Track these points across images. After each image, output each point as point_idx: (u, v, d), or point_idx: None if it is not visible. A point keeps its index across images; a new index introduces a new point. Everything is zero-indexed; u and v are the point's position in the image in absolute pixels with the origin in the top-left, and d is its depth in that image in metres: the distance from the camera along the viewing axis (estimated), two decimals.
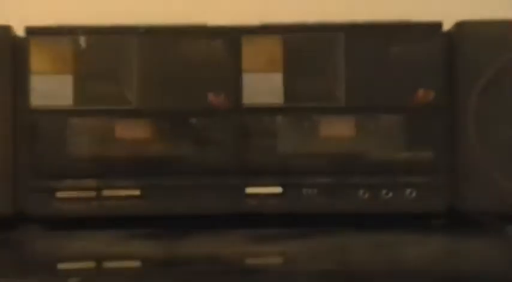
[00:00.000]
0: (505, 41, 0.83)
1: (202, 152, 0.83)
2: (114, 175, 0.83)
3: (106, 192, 0.83)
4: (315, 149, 0.83)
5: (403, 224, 0.83)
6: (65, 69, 0.83)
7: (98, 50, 0.83)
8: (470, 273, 0.71)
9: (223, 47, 0.83)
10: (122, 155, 0.84)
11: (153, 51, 0.83)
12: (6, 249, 0.82)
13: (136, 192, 0.83)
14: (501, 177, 0.82)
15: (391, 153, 0.83)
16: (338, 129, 0.83)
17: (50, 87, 0.83)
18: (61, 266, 0.75)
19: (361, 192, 0.83)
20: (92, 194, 0.83)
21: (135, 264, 0.76)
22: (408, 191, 0.83)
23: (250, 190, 0.83)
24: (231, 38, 0.83)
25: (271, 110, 0.83)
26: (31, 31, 0.83)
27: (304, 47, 0.83)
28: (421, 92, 0.83)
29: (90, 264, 0.75)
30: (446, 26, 0.85)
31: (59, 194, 0.83)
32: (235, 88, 0.83)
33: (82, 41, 0.83)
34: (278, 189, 0.83)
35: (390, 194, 0.83)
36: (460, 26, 0.84)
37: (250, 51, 0.83)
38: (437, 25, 0.84)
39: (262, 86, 0.83)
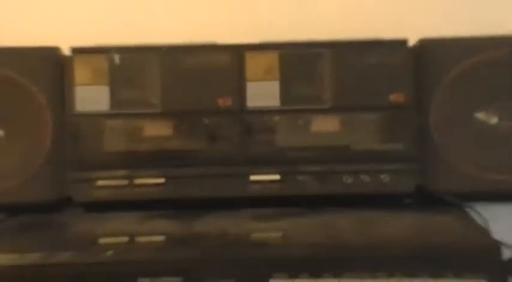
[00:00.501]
0: (458, 54, 0.82)
1: (213, 147, 0.83)
2: (142, 166, 0.83)
3: (136, 181, 0.83)
4: (306, 143, 0.83)
5: (380, 203, 0.83)
6: (102, 81, 0.83)
7: (128, 65, 0.83)
8: (436, 242, 0.70)
9: (230, 60, 0.83)
10: (148, 150, 0.83)
11: (173, 65, 0.83)
12: (55, 228, 0.82)
13: (161, 180, 0.83)
14: (459, 164, 0.82)
15: (369, 145, 0.83)
16: (325, 126, 0.83)
17: (91, 96, 0.83)
18: (100, 241, 0.76)
19: (345, 177, 0.82)
20: (125, 182, 0.83)
21: (160, 238, 0.76)
22: (384, 176, 0.82)
23: (253, 178, 0.83)
24: (237, 53, 0.83)
25: (270, 112, 0.83)
26: (75, 51, 0.84)
27: (297, 60, 0.83)
28: (393, 95, 0.82)
29: (124, 239, 0.75)
30: (412, 42, 0.84)
31: (99, 183, 0.83)
32: (241, 93, 0.83)
33: (116, 58, 0.83)
34: (277, 177, 0.83)
35: (369, 179, 0.82)
36: (423, 42, 0.84)
37: (252, 64, 0.83)
38: (405, 41, 0.84)
39: (262, 91, 0.83)
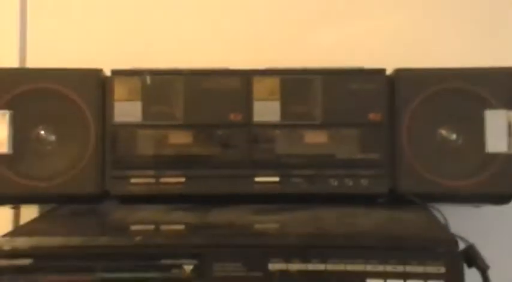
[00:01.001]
0: (425, 82, 0.82)
1: (225, 153, 0.83)
2: (167, 168, 0.82)
3: (161, 179, 0.82)
4: (301, 152, 0.82)
5: (359, 202, 0.82)
6: (136, 97, 0.83)
7: (157, 84, 0.83)
8: (403, 235, 0.70)
9: (240, 83, 0.83)
10: (172, 154, 0.83)
11: (194, 85, 0.83)
12: (95, 216, 0.83)
13: (182, 179, 0.82)
14: (423, 171, 0.81)
15: (351, 155, 0.82)
16: (316, 139, 0.82)
17: (126, 110, 0.83)
18: (131, 228, 0.77)
19: (331, 180, 0.82)
20: (152, 180, 0.82)
21: (180, 227, 0.76)
22: (362, 179, 0.82)
23: (257, 179, 0.82)
24: (246, 77, 0.83)
25: (271, 125, 0.83)
26: (115, 72, 0.83)
27: (294, 84, 0.83)
28: (371, 114, 0.82)
29: (150, 227, 0.75)
30: (389, 71, 0.84)
31: (132, 180, 0.82)
32: (248, 110, 0.82)
33: (148, 79, 0.83)
34: (276, 178, 0.82)
35: (350, 182, 0.82)
36: (398, 71, 0.84)
37: (258, 86, 0.82)
38: (383, 70, 0.83)
39: (266, 109, 0.82)
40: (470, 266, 0.69)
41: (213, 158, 0.83)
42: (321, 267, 0.66)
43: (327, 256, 0.67)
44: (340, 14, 0.98)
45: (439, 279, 0.65)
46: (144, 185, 0.82)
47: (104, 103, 0.83)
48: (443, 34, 0.97)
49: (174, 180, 0.82)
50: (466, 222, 0.78)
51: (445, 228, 0.74)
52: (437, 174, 0.80)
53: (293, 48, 0.97)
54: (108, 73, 0.84)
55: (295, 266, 0.67)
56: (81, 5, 0.98)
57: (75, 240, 0.68)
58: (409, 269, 0.66)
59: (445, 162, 0.81)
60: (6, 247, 0.67)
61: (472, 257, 0.68)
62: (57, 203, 0.85)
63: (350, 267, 0.66)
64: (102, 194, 0.83)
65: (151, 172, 0.82)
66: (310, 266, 0.67)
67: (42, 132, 0.83)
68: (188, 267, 0.67)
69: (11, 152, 0.81)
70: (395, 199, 0.82)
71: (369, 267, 0.66)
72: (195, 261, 0.67)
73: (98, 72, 0.84)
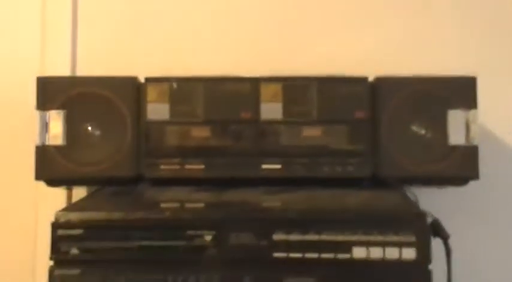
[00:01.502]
0: (401, 86, 0.81)
1: (238, 145, 0.82)
2: (190, 156, 0.81)
3: (186, 166, 0.81)
4: (300, 143, 0.82)
5: (347, 185, 0.81)
6: (165, 100, 0.82)
7: (182, 89, 0.82)
8: (382, 210, 0.71)
9: (250, 87, 0.82)
10: (194, 145, 0.82)
11: (212, 89, 0.82)
12: (132, 195, 0.82)
13: (202, 166, 0.81)
14: (400, 158, 0.81)
15: (341, 146, 0.81)
16: (312, 133, 0.82)
17: (157, 110, 0.82)
18: (161, 205, 0.75)
19: (325, 167, 0.81)
20: (178, 166, 0.81)
21: (201, 205, 0.74)
22: (350, 166, 0.81)
23: (264, 166, 0.81)
24: (254, 83, 0.82)
25: (276, 122, 0.82)
26: (147, 80, 0.83)
27: (294, 88, 0.82)
28: (357, 113, 0.82)
29: (177, 204, 0.74)
30: (371, 78, 0.83)
31: (162, 166, 0.81)
32: (256, 110, 0.82)
33: (174, 84, 0.82)
34: (279, 166, 0.81)
35: (340, 168, 0.81)
36: (378, 78, 0.83)
37: (265, 90, 0.82)
38: (366, 78, 0.83)
39: (271, 109, 0.82)
40: (435, 236, 0.69)
41: (227, 148, 0.82)
42: (316, 237, 0.67)
43: (321, 228, 0.67)
44: (333, 27, 0.98)
45: (411, 246, 0.66)
46: (171, 170, 0.82)
47: (139, 104, 0.82)
48: (414, 45, 0.96)
49: (195, 167, 0.82)
50: (433, 201, 0.79)
51: (416, 205, 0.74)
52: (411, 161, 0.80)
53: (294, 58, 0.97)
54: (142, 80, 0.84)
55: (295, 237, 0.67)
56: (122, 20, 0.98)
57: (116, 215, 0.69)
58: (387, 238, 0.66)
59: (417, 152, 0.81)
60: (62, 219, 0.69)
61: (437, 229, 0.69)
62: (102, 184, 0.85)
63: (340, 238, 0.67)
64: (138, 177, 0.83)
65: (177, 160, 0.82)
66: (307, 237, 0.67)
67: (90, 128, 0.83)
68: (208, 237, 0.68)
69: (64, 143, 0.81)
70: (377, 182, 0.82)
71: (355, 237, 0.67)
72: (213, 232, 0.68)
73: (134, 79, 0.84)
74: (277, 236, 0.67)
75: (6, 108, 0.95)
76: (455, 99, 0.81)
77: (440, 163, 0.80)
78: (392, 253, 0.65)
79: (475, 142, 0.80)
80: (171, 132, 0.82)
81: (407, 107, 0.81)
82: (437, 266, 0.67)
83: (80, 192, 0.90)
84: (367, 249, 0.66)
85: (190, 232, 0.67)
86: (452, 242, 0.70)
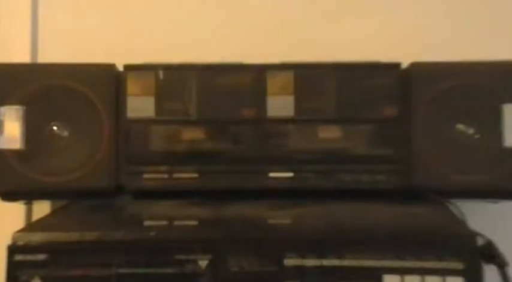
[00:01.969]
0: (440, 76, 0.81)
1: (239, 149, 0.82)
2: (180, 163, 0.82)
3: (174, 175, 0.82)
4: (314, 147, 0.82)
5: (373, 198, 0.80)
6: (149, 92, 0.82)
7: (170, 79, 0.82)
8: (420, 229, 0.70)
9: (254, 78, 0.82)
10: (185, 150, 0.82)
11: (207, 80, 0.82)
12: (108, 211, 0.82)
13: (195, 175, 0.82)
14: (441, 164, 0.80)
15: (365, 150, 0.81)
16: (330, 134, 0.81)
17: (139, 105, 0.82)
18: (145, 223, 0.76)
19: (345, 176, 0.81)
20: (165, 175, 0.82)
21: (193, 222, 0.74)
22: (377, 175, 0.81)
23: (272, 174, 0.82)
24: (260, 72, 0.82)
25: (285, 121, 0.82)
26: (127, 67, 0.83)
27: (308, 78, 0.82)
28: (386, 109, 0.81)
29: (164, 222, 0.74)
30: (404, 65, 0.83)
31: (145, 175, 0.82)
32: (262, 105, 0.82)
33: (160, 74, 0.82)
34: (290, 174, 0.81)
35: (365, 178, 0.81)
36: (413, 65, 0.82)
37: (272, 81, 0.82)
38: (398, 64, 0.82)
39: (280, 104, 0.82)
40: (488, 262, 0.67)
41: (226, 153, 0.82)
42: (336, 262, 0.66)
43: (343, 251, 0.66)
44: (355, 8, 0.97)
45: (458, 275, 0.64)
46: (157, 180, 0.82)
47: (117, 98, 0.82)
48: (459, 28, 0.96)
49: (187, 175, 0.82)
50: (484, 218, 0.78)
51: (462, 223, 0.73)
52: (454, 169, 0.79)
53: (307, 43, 0.96)
54: (120, 68, 0.83)
55: (310, 262, 0.66)
56: None
57: (90, 235, 0.68)
58: (426, 264, 0.65)
59: (462, 157, 0.80)
60: (21, 242, 0.67)
61: (491, 253, 0.67)
62: (71, 198, 0.85)
63: (366, 263, 0.65)
64: (116, 189, 0.82)
65: (164, 167, 0.82)
66: (326, 262, 0.66)
67: (55, 127, 0.82)
68: (203, 262, 0.67)
69: (23, 147, 0.81)
70: (411, 195, 0.81)
71: (386, 263, 0.65)
72: (209, 256, 0.67)
73: (110, 67, 0.83)
74: (289, 261, 0.66)
75: None
76: (511, 90, 0.80)
77: (492, 171, 0.79)
78: None
79: None
80: (157, 133, 0.82)
81: (449, 101, 0.80)
82: None
83: (43, 208, 0.90)
84: (402, 277, 0.65)
85: (180, 256, 0.67)
86: (511, 270, 0.68)
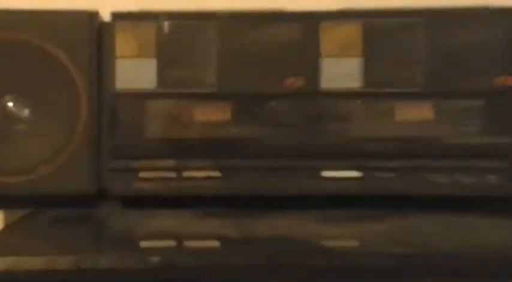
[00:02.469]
0: None
1: (279, 135, 0.81)
2: (193, 156, 0.81)
3: (185, 173, 0.81)
4: (390, 133, 0.81)
5: (478, 208, 0.80)
6: (148, 53, 0.81)
7: (180, 34, 0.81)
8: None
9: (302, 32, 0.80)
10: (201, 137, 0.81)
11: (232, 36, 0.81)
12: (88, 225, 0.81)
13: (215, 173, 0.81)
14: None
15: (468, 138, 0.80)
16: (414, 114, 0.81)
17: (134, 71, 0.81)
18: (142, 244, 0.73)
19: (436, 176, 0.80)
20: (172, 174, 0.81)
21: (213, 243, 0.71)
22: (486, 175, 0.80)
23: (326, 173, 0.80)
24: (310, 23, 0.81)
25: (348, 94, 0.80)
26: (117, 16, 0.81)
27: (384, 32, 0.81)
28: (499, 78, 0.80)
29: (170, 243, 0.72)
30: None
31: (141, 174, 0.81)
32: (313, 72, 0.80)
33: (165, 25, 0.81)
34: (353, 173, 0.80)
35: (467, 178, 0.80)
36: None
37: (328, 37, 0.80)
38: None
39: (340, 70, 0.80)
40: None
41: (260, 143, 0.80)
42: None
43: None
44: None
45: None
46: (159, 181, 0.80)
47: (99, 62, 0.81)
48: None
49: (202, 174, 0.80)
50: None
51: None
52: None
53: None
54: (107, 17, 0.83)
55: None
56: None
57: (63, 261, 0.65)
58: None
59: None
60: None
61: None
62: (34, 206, 0.84)
63: None
64: (98, 194, 0.81)
65: (169, 163, 0.80)
66: None
67: (11, 104, 0.81)
68: None
69: None
70: None
71: None
72: None
73: (91, 16, 0.82)
74: None
75: None
76: None
77: None
78: None
79: None
80: (158, 112, 0.80)
81: None
82: None
83: None
84: None
85: None
86: None
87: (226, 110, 0.81)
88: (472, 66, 0.80)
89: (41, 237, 0.76)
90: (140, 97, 0.81)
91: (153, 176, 0.81)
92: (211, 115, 0.81)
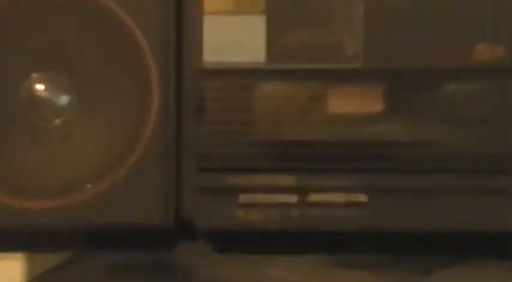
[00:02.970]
0: None
1: (463, 136, 0.61)
2: (324, 169, 0.61)
3: (311, 197, 0.61)
4: None
5: None
6: (254, 8, 0.62)
7: None
8: None
9: None
10: (334, 139, 0.61)
11: None
12: (164, 276, 0.68)
13: (360, 198, 0.61)
14: None
15: None
16: None
17: (232, 35, 0.62)
18: None
19: None
20: (291, 198, 0.61)
21: None
22: None
23: None
24: None
25: None
26: None
27: None
28: None
29: None
30: None
31: (243, 198, 0.61)
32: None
33: None
34: None
35: None
36: None
37: None
38: None
39: None
40: None
41: (434, 148, 0.62)
42: None
43: None
44: None
45: None
46: (270, 209, 0.63)
47: (178, 23, 0.63)
48: None
49: (339, 198, 0.62)
50: None
51: None
52: None
53: None
54: None
55: None
56: None
57: None
58: None
59: None
60: None
61: None
62: (77, 247, 0.70)
63: None
64: (177, 228, 0.65)
65: (286, 179, 0.62)
66: None
67: (41, 87, 0.64)
68: None
69: None
70: None
71: None
72: None
73: None
74: None
75: None
76: None
77: None
78: None
79: None
80: (270, 100, 0.63)
81: None
82: None
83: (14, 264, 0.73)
84: None
85: None
86: None
87: (376, 96, 0.62)
88: None
89: None
90: (240, 76, 0.63)
91: (261, 200, 0.62)
92: (354, 104, 0.62)
